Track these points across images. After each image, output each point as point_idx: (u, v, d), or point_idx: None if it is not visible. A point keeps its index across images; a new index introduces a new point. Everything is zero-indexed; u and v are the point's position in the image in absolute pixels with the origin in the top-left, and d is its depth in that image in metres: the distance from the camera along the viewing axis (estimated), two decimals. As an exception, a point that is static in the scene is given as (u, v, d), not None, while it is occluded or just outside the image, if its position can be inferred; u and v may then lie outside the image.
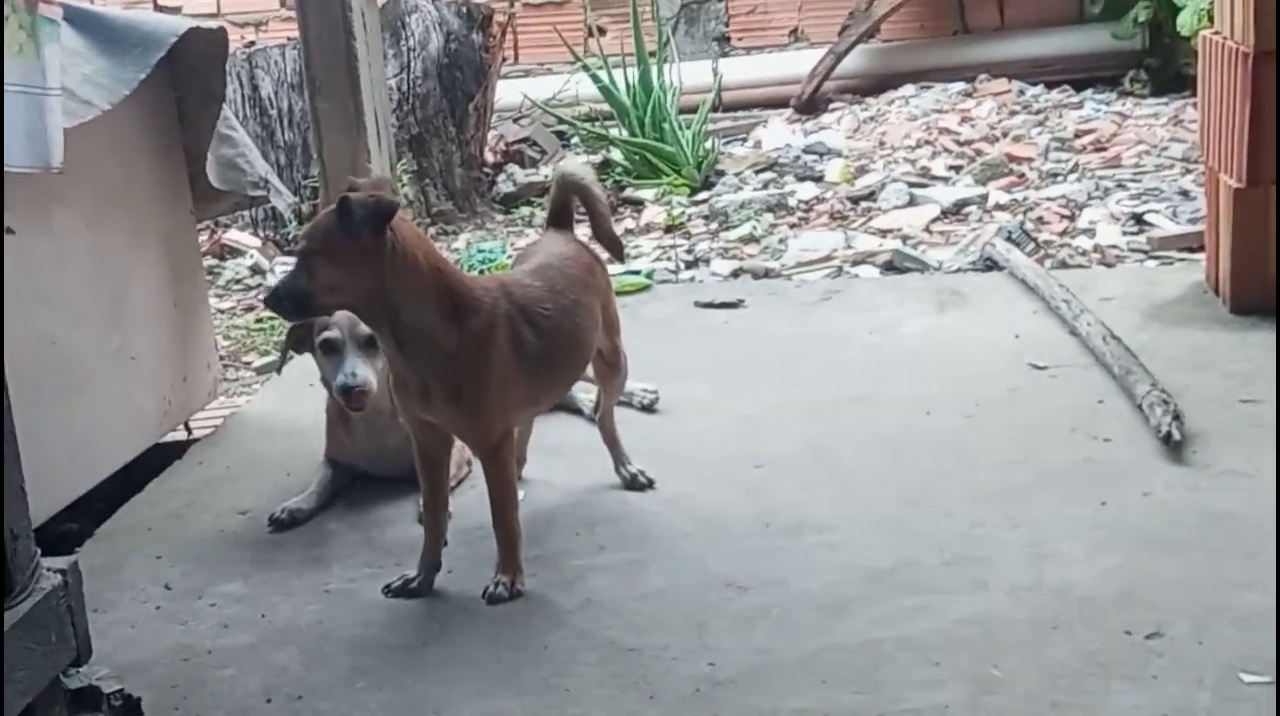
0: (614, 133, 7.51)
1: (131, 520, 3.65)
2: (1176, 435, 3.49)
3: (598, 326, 3.32)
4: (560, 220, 3.46)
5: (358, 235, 2.76)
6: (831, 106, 8.46)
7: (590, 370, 3.46)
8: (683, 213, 6.61)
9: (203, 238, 6.31)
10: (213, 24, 4.64)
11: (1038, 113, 7.76)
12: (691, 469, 3.61)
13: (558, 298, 3.15)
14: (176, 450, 4.10)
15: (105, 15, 3.86)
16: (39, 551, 2.37)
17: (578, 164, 4.89)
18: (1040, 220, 5.95)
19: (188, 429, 4.30)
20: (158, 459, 4.00)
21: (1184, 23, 7.31)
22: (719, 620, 2.88)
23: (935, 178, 6.76)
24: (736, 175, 7.06)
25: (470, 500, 3.48)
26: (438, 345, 2.91)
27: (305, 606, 3.09)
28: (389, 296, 2.84)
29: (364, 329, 3.29)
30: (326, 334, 3.39)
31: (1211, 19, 4.66)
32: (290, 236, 6.59)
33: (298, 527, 3.50)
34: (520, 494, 3.51)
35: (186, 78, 4.09)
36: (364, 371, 3.36)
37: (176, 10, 8.87)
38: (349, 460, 3.70)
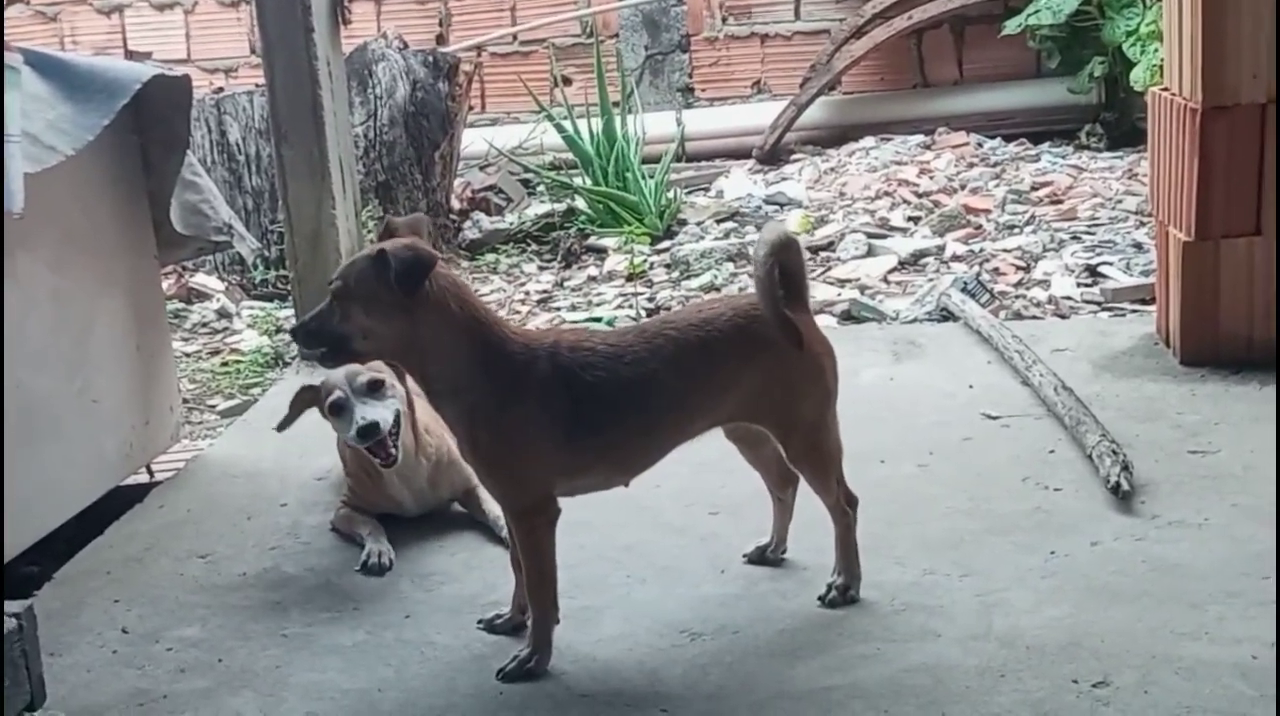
0: (578, 181, 7.56)
1: (90, 563, 3.65)
2: (1125, 485, 3.54)
3: (705, 403, 3.01)
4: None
5: (393, 288, 2.71)
6: (793, 157, 8.55)
7: None
8: (645, 261, 6.66)
9: (169, 281, 6.34)
10: (183, 70, 4.69)
11: (995, 165, 7.85)
12: (647, 516, 3.64)
13: (619, 363, 2.89)
14: (138, 493, 4.10)
15: (69, 61, 3.89)
16: (-4, 595, 2.39)
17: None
18: (996, 271, 6.02)
19: (149, 472, 4.30)
20: (119, 502, 4.00)
21: (1138, 78, 7.46)
22: (672, 667, 2.91)
23: (894, 228, 6.82)
24: (698, 224, 7.12)
25: (425, 536, 3.51)
26: (461, 396, 2.83)
27: (262, 651, 3.11)
28: (420, 344, 2.79)
29: (364, 377, 3.37)
30: (332, 398, 3.41)
31: (1163, 74, 4.75)
32: (256, 280, 6.62)
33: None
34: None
35: (151, 124, 4.12)
36: (373, 412, 3.39)
37: (147, 56, 8.89)
38: (380, 509, 3.69)
